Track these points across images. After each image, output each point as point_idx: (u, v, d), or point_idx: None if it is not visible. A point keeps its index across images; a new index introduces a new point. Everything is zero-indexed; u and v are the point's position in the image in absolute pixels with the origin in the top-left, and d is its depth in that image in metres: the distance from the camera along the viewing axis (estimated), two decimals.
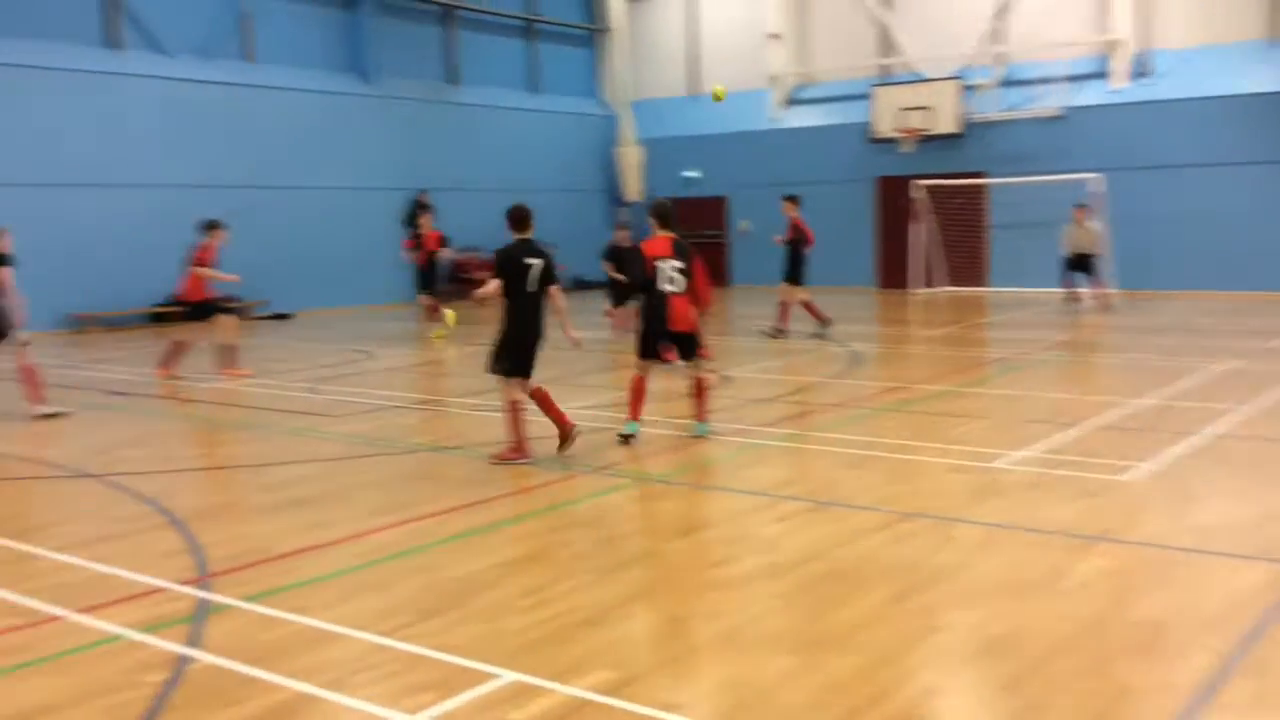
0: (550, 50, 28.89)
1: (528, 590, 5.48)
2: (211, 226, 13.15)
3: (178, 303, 13.56)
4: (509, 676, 4.41)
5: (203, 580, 5.71)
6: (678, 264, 8.76)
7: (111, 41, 20.44)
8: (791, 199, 16.22)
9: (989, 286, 24.23)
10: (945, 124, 24.48)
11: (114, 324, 19.98)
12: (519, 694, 4.27)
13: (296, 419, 10.54)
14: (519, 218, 8.36)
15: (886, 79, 25.94)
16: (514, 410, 8.25)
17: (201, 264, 12.97)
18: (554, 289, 8.39)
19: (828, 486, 7.51)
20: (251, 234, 18.52)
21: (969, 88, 24.34)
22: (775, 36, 27.20)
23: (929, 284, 24.34)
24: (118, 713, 4.17)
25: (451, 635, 4.87)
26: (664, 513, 7.02)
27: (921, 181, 24.33)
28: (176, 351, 13.27)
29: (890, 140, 25.14)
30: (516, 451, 8.27)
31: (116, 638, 4.93)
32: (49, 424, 10.54)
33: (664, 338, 8.85)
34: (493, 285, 8.18)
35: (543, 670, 4.46)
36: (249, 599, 5.40)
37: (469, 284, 25.82)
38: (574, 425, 8.43)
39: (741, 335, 16.39)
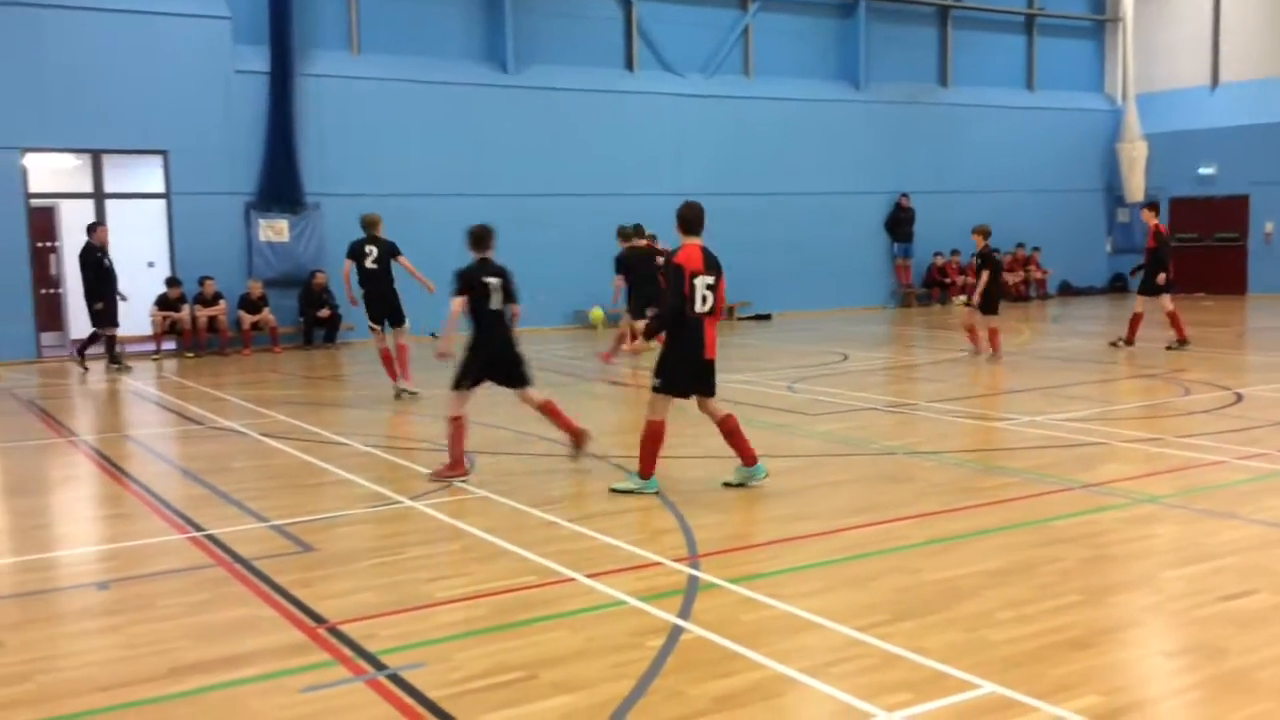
0: (1050, 45, 27.54)
1: (1010, 603, 5.29)
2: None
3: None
4: (988, 688, 4.29)
5: (692, 559, 6.11)
6: (709, 280, 7.55)
7: (629, 64, 22.40)
8: (1151, 206, 15.73)
9: None
10: None
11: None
12: (999, 707, 4.15)
13: (777, 415, 10.91)
14: (479, 237, 8.45)
15: None
16: (455, 426, 8.27)
17: None
18: (515, 307, 8.42)
19: None
20: (738, 237, 19.39)
21: None
22: None
23: None
24: (623, 669, 4.58)
25: (928, 639, 4.82)
26: (1163, 537, 6.46)
27: None
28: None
29: None
30: (453, 469, 8.28)
31: (620, 602, 5.41)
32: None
33: (699, 370, 7.74)
34: (456, 304, 8.26)
35: (1026, 687, 4.29)
36: (733, 580, 5.70)
37: (948, 288, 25.47)
38: (585, 430, 8.55)
39: (1259, 350, 14.66)
